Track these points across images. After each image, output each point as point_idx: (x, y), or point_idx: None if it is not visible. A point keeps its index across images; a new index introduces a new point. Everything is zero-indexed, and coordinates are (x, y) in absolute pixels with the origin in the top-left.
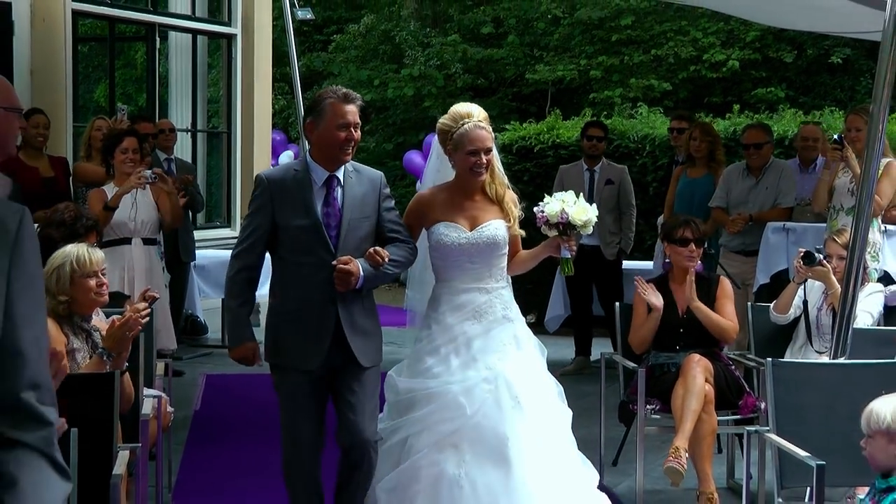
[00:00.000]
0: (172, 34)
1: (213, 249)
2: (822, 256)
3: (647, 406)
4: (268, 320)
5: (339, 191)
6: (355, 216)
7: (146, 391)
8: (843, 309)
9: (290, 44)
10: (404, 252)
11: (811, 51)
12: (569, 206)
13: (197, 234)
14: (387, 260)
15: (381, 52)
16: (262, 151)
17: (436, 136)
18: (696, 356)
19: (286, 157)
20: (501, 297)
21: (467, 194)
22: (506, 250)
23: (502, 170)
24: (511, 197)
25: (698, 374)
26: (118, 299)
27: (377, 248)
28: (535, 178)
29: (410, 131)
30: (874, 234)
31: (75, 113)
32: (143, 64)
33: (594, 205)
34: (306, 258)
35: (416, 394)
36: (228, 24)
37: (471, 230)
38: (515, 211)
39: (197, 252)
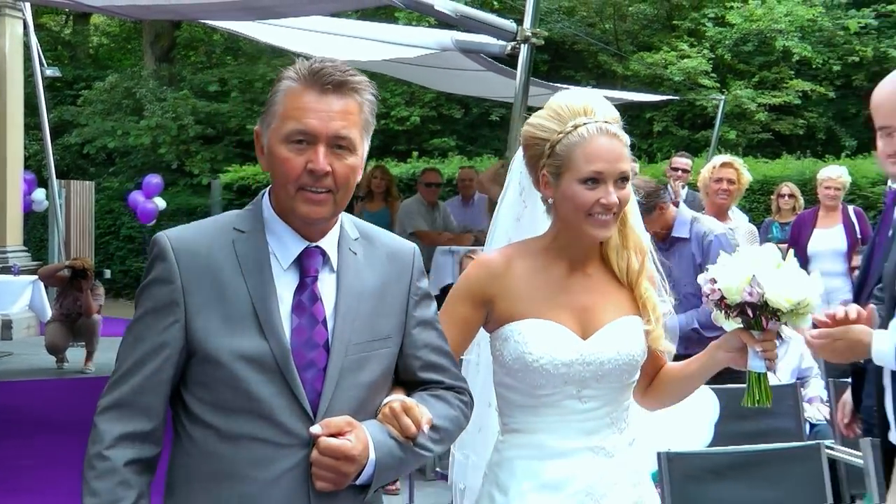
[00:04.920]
0: None
1: None
2: None
3: None
4: None
5: (327, 279)
6: (362, 337)
7: None
8: None
9: (40, 97)
10: (455, 411)
11: (475, 109)
12: (763, 271)
13: None
14: (426, 428)
15: (125, 106)
16: (13, 191)
17: (517, 154)
18: None
19: (39, 195)
20: (629, 466)
21: (576, 264)
22: (638, 375)
23: (642, 226)
24: (651, 275)
25: None
26: None
27: (406, 401)
28: None
29: (149, 172)
30: None
31: None
32: None
33: (817, 276)
34: (254, 426)
35: None
36: None
37: (585, 337)
38: (656, 303)
39: None
